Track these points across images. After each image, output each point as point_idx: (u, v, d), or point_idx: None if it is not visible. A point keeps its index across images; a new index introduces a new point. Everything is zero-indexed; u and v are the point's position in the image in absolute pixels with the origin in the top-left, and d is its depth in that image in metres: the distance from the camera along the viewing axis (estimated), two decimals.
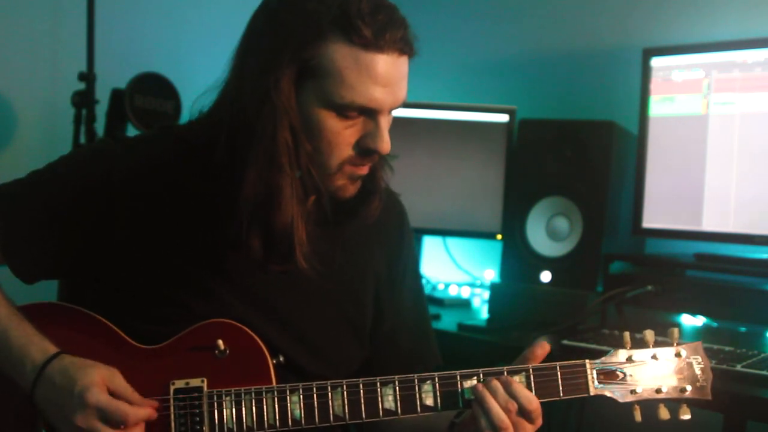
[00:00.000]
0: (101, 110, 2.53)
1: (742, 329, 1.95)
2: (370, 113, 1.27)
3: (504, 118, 2.47)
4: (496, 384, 1.25)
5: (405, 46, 1.26)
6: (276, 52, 1.24)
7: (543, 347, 1.30)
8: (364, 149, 1.29)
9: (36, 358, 1.26)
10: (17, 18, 2.64)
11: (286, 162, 1.25)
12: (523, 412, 1.24)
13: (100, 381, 1.22)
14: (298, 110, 1.26)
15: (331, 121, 1.26)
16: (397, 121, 1.36)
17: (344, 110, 1.26)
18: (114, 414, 1.21)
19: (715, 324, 2.01)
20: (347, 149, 1.29)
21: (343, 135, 1.28)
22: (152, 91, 2.56)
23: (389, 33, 1.23)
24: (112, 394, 1.23)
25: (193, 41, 2.96)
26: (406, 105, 1.33)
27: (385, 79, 1.25)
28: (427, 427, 1.40)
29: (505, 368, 1.29)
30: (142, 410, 1.24)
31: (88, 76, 2.50)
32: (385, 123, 1.29)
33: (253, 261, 1.31)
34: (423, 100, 2.51)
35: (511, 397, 1.24)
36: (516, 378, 1.27)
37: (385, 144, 1.29)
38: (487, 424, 1.23)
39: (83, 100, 2.50)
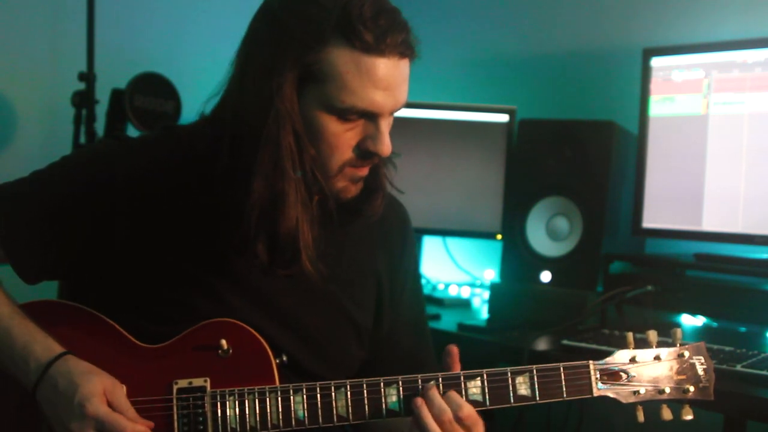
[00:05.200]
0: (101, 110, 2.53)
1: (742, 329, 1.95)
2: (371, 116, 1.28)
3: (504, 118, 2.47)
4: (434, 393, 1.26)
5: (406, 50, 1.27)
6: (278, 57, 1.24)
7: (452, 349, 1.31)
8: (365, 151, 1.30)
9: (40, 356, 1.26)
10: (17, 18, 2.63)
11: (290, 167, 1.26)
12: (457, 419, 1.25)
13: (101, 391, 1.22)
14: (300, 114, 1.26)
15: (332, 124, 1.27)
16: (397, 121, 1.36)
17: (345, 114, 1.26)
18: (111, 427, 1.20)
19: (715, 324, 2.01)
20: (348, 151, 1.30)
21: (344, 138, 1.28)
22: (152, 91, 2.55)
23: (390, 37, 1.23)
24: (111, 406, 1.22)
25: (193, 41, 2.96)
26: (406, 105, 1.33)
27: (386, 82, 1.25)
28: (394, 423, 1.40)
29: (508, 369, 1.29)
30: (139, 427, 1.23)
31: (88, 76, 2.50)
32: (385, 126, 1.30)
33: (259, 266, 1.31)
34: (423, 100, 2.50)
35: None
36: (519, 378, 1.28)
37: (386, 147, 1.30)
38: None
39: (83, 100, 2.50)
